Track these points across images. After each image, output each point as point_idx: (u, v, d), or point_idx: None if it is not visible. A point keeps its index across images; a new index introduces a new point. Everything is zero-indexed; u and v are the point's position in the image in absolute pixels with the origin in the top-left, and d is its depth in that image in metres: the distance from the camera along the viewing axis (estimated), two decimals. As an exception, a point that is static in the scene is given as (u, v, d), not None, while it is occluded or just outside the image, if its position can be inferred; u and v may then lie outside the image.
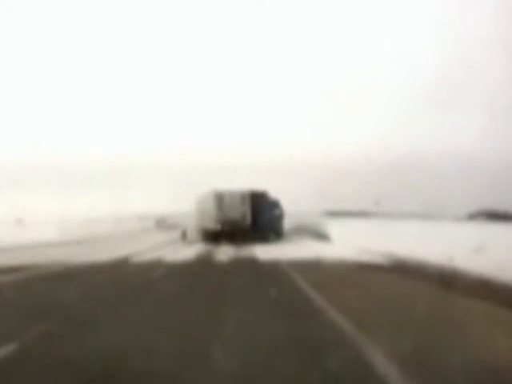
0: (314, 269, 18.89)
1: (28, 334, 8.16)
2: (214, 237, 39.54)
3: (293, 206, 44.91)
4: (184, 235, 43.96)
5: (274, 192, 42.51)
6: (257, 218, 40.98)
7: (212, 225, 40.97)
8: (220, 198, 41.15)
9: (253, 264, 21.88)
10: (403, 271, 17.01)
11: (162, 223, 77.42)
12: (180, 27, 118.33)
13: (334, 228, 42.87)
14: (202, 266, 21.25)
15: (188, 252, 28.48)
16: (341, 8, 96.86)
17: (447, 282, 13.38)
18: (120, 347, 7.38)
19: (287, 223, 44.10)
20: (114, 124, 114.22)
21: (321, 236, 42.69)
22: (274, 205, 42.13)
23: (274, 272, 18.14)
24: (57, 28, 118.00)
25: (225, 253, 28.04)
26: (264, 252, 27.47)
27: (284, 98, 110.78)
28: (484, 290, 12.07)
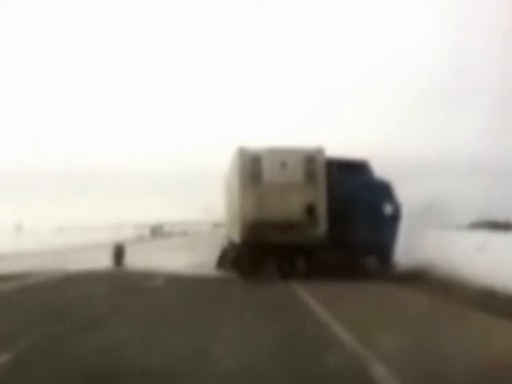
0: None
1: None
2: (236, 262, 19.12)
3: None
4: (119, 254, 25.19)
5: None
6: (343, 220, 18.48)
7: (235, 233, 19.22)
8: (252, 166, 18.25)
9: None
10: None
11: (158, 231, 76.81)
12: (180, 29, 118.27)
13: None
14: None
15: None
16: (339, 7, 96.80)
17: (447, 290, 13.46)
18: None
19: None
20: (114, 130, 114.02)
21: None
22: (384, 192, 19.38)
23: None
24: (60, 29, 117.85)
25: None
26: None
27: (279, 98, 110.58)
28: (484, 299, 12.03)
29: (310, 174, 18.26)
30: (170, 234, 72.92)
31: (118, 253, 25.19)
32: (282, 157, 18.36)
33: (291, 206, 17.95)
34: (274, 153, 18.40)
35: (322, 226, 18.01)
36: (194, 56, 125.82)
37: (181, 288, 16.26)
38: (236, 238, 19.23)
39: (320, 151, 18.49)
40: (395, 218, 19.38)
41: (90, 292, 14.73)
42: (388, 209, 19.50)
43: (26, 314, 10.70)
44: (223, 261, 20.43)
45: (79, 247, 40.38)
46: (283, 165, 18.21)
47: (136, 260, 25.77)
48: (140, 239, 63.20)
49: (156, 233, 75.64)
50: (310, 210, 17.97)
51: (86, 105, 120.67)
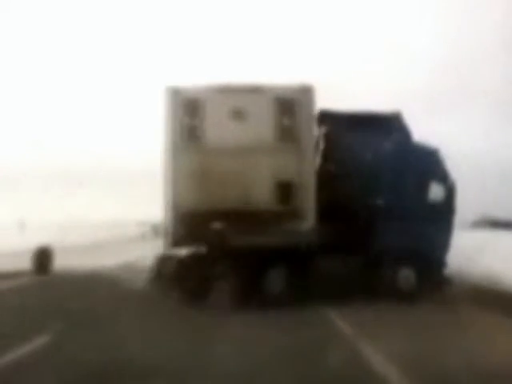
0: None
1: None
2: (175, 277, 11.18)
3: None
4: (41, 259, 18.54)
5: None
6: (357, 210, 11.54)
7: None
8: (189, 116, 10.75)
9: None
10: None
11: (160, 229, 73.55)
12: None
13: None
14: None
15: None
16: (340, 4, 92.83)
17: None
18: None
19: None
20: (115, 127, 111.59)
21: None
22: (429, 165, 11.89)
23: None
24: (59, 29, 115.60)
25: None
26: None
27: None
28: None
29: (285, 129, 10.57)
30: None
31: (41, 257, 18.64)
32: (237, 100, 10.56)
33: (254, 185, 10.47)
34: (225, 93, 10.53)
35: (308, 218, 10.57)
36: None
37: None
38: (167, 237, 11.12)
39: (305, 92, 10.52)
40: (447, 205, 11.90)
41: (88, 290, 13.44)
42: (436, 191, 11.92)
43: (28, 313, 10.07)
44: (159, 274, 11.67)
45: (81, 245, 38.32)
46: (238, 114, 10.53)
47: (140, 257, 23.84)
48: (143, 237, 59.83)
49: (157, 231, 72.21)
50: (286, 192, 10.58)
51: (87, 104, 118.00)
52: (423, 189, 11.70)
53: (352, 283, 11.02)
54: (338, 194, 11.32)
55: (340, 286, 10.90)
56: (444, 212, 11.79)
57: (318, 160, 11.82)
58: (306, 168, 10.58)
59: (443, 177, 11.81)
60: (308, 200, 10.55)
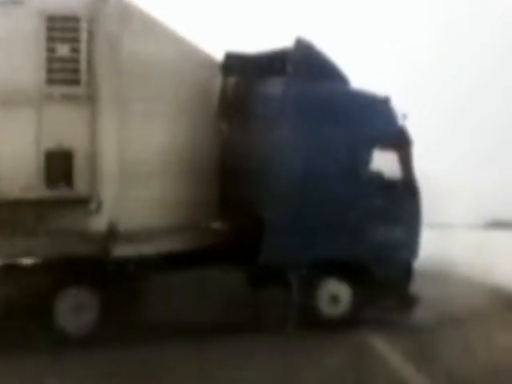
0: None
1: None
2: None
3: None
4: None
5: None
6: (251, 196, 7.22)
7: None
8: None
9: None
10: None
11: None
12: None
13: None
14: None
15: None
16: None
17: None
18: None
19: None
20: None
21: None
22: (374, 124, 7.77)
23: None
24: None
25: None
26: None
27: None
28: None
29: (64, 64, 6.10)
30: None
31: None
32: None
33: (6, 159, 5.96)
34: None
35: (105, 211, 6.30)
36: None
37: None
38: None
39: (102, 6, 6.18)
40: (403, 181, 7.97)
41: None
42: (385, 162, 8.00)
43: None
44: None
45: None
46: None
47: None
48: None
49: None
50: (63, 169, 6.14)
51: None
52: (363, 159, 7.72)
53: (228, 308, 7.13)
54: (231, 176, 7.40)
55: (206, 313, 7.00)
56: (399, 192, 7.85)
57: (221, 125, 7.92)
58: (103, 130, 6.19)
59: (397, 140, 7.78)
60: (106, 180, 6.19)
